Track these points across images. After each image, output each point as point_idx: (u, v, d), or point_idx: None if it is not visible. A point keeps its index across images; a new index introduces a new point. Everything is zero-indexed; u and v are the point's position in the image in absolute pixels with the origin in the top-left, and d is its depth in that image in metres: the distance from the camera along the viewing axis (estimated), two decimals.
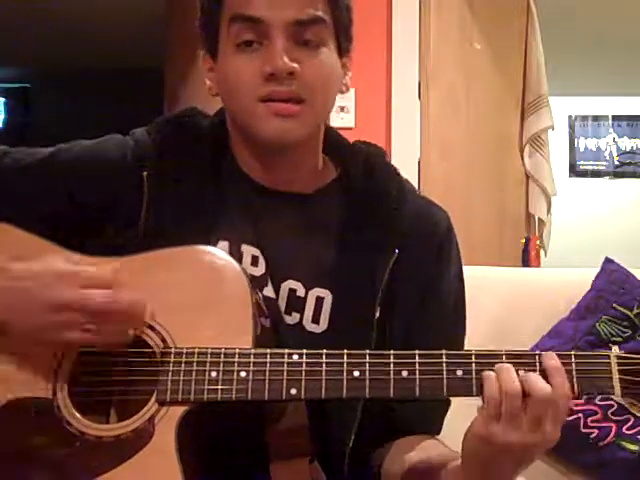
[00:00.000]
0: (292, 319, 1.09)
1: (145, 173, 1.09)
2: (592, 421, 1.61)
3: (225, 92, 1.09)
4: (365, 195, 1.14)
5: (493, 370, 0.91)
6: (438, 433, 1.14)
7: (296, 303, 1.09)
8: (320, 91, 1.06)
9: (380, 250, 1.10)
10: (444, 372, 0.92)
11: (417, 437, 1.10)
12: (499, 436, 0.88)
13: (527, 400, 0.88)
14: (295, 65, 1.02)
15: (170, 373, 0.94)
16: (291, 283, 1.09)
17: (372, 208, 1.13)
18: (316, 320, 1.09)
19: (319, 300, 1.09)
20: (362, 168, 1.16)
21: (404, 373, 0.92)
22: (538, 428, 0.88)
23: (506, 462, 0.91)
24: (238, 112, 1.08)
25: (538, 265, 3.24)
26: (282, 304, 1.09)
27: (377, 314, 1.07)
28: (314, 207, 1.14)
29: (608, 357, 0.92)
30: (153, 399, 0.93)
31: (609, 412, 1.61)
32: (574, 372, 0.92)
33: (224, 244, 1.08)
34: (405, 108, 2.97)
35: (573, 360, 0.92)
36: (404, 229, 1.12)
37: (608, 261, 1.74)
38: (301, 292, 1.09)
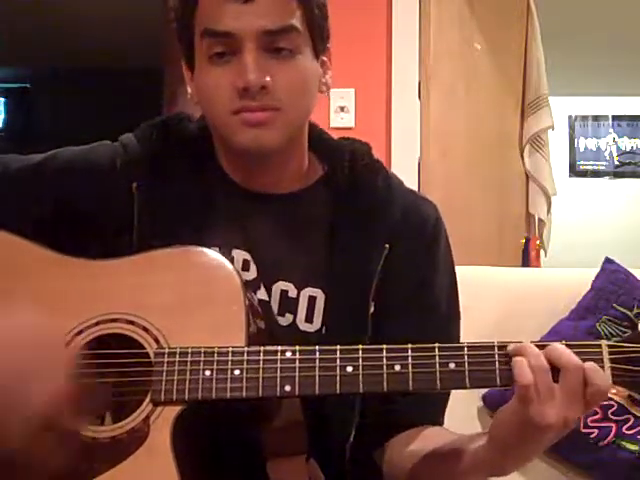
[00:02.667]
0: (285, 320, 1.09)
1: (135, 185, 1.09)
2: (592, 421, 1.61)
3: (202, 103, 1.09)
4: (352, 191, 1.13)
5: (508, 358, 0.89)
6: (440, 425, 1.13)
7: (288, 304, 1.09)
8: (295, 98, 1.05)
9: (371, 245, 1.10)
10: (437, 365, 0.92)
11: (420, 428, 1.09)
12: (538, 417, 0.86)
13: (559, 375, 0.87)
14: (267, 78, 1.01)
15: (164, 373, 0.93)
16: (282, 284, 1.09)
17: (360, 204, 1.12)
18: (309, 320, 1.09)
19: (311, 300, 1.09)
20: (348, 164, 1.15)
21: (397, 367, 0.92)
22: (574, 401, 0.87)
23: (543, 441, 0.89)
24: (215, 123, 1.08)
25: (538, 265, 3.24)
26: (275, 306, 1.08)
27: (372, 309, 1.07)
28: (301, 206, 1.13)
29: (600, 346, 0.92)
30: (147, 399, 0.93)
31: (609, 412, 1.61)
32: None
33: (214, 250, 1.07)
34: (405, 108, 2.96)
35: None
36: (394, 223, 1.12)
37: (608, 261, 1.74)
38: (293, 293, 1.09)
